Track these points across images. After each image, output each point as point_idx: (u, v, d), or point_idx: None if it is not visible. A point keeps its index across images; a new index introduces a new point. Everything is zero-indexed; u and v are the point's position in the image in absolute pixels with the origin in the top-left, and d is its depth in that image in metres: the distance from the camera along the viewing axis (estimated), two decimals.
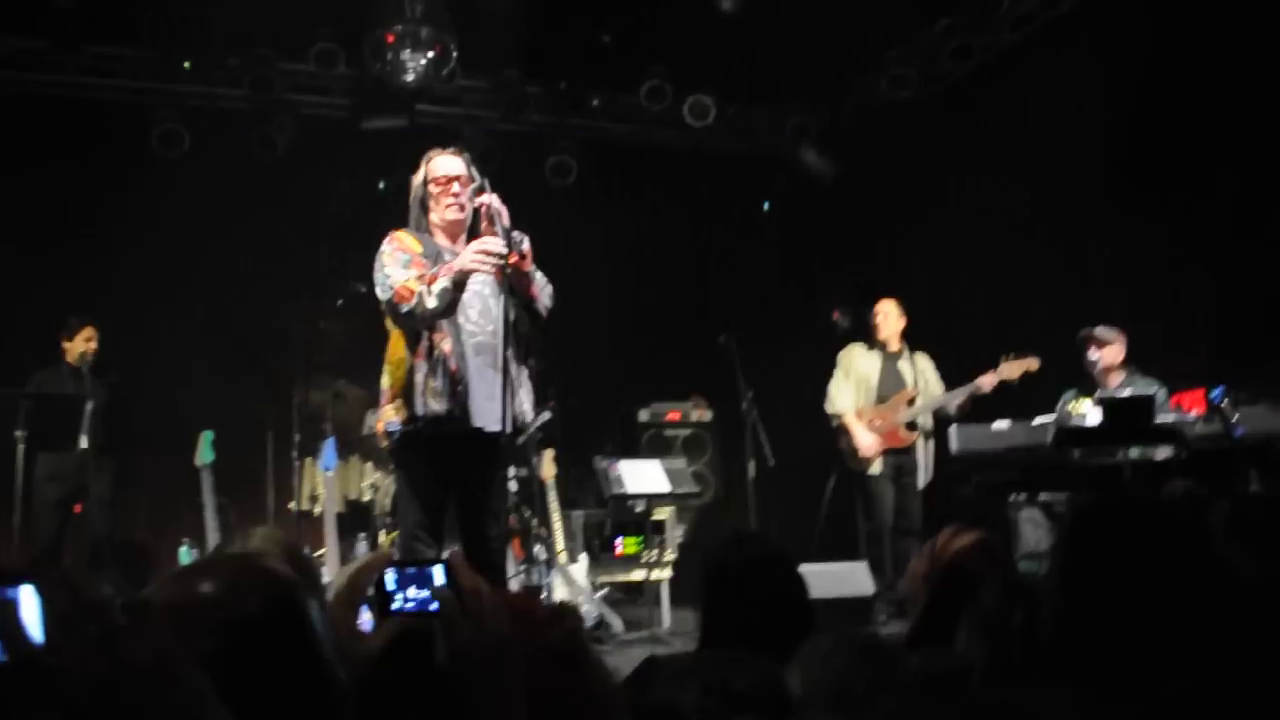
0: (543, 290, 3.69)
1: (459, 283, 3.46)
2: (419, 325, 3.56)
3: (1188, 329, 5.62)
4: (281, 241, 7.11)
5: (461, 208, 3.67)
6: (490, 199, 3.54)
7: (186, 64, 6.91)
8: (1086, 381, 5.63)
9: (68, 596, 0.90)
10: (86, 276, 6.75)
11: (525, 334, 3.76)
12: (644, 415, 7.82)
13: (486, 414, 3.58)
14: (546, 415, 6.17)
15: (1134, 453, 4.91)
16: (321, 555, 5.41)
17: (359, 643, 1.38)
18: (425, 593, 1.33)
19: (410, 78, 6.61)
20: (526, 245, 3.52)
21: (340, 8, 6.60)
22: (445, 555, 1.36)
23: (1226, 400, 4.60)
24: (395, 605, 1.35)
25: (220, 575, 1.09)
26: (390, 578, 1.35)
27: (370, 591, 1.38)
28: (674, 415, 7.90)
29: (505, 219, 3.50)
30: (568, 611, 1.49)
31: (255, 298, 7.11)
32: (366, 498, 6.15)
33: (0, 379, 5.55)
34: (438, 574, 1.32)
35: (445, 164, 3.73)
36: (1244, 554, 2.40)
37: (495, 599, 1.30)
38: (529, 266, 3.60)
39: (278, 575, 1.11)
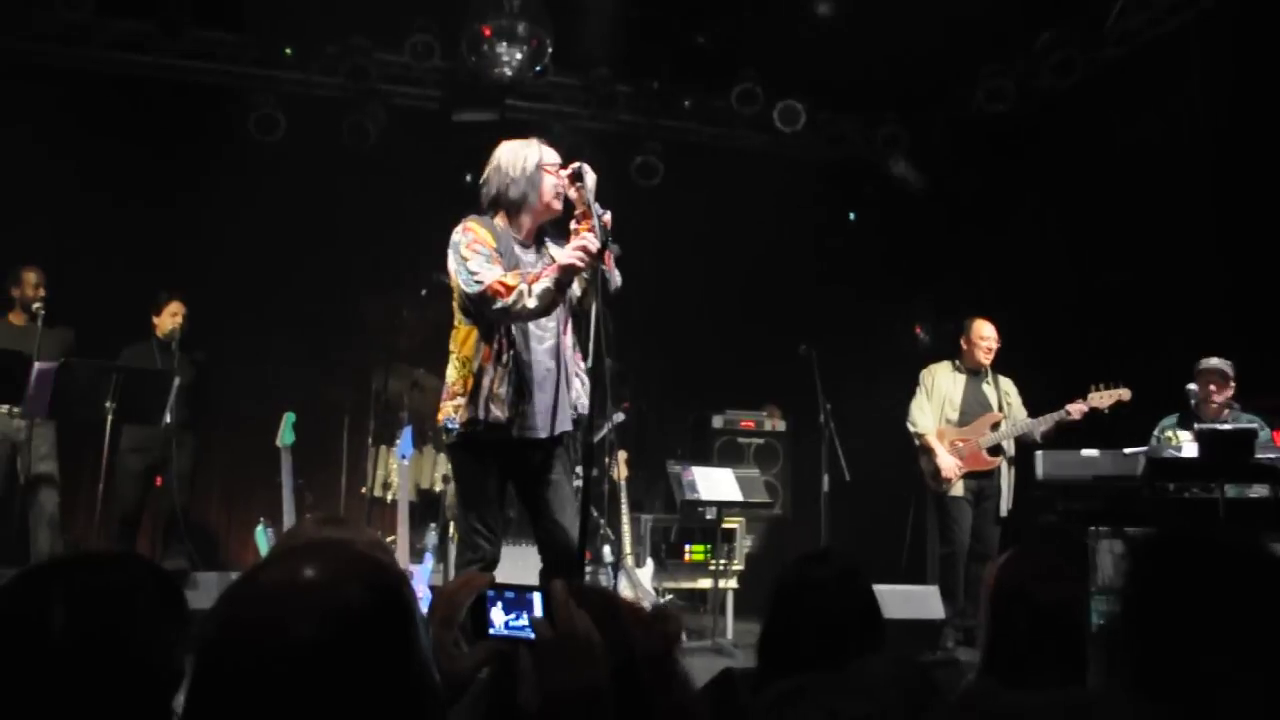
0: (615, 265, 3.55)
1: (562, 284, 3.40)
2: (508, 321, 3.48)
3: None
4: (369, 229, 7.20)
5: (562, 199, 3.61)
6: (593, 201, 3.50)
7: (287, 50, 7.04)
8: (1184, 411, 5.42)
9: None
10: (179, 254, 6.91)
11: (601, 331, 3.65)
12: (718, 421, 7.74)
13: (547, 421, 3.54)
14: (620, 416, 6.13)
15: (1230, 490, 4.72)
16: (393, 541, 5.44)
17: (452, 662, 1.35)
18: (523, 619, 1.32)
19: (506, 71, 6.64)
20: (608, 217, 3.46)
21: (437, 1, 6.66)
22: (549, 586, 1.34)
23: None
24: (493, 629, 1.34)
25: (325, 561, 1.05)
26: (489, 600, 1.35)
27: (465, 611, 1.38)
28: (748, 424, 7.81)
29: (604, 217, 3.46)
30: (669, 615, 1.45)
31: (341, 283, 7.22)
32: (438, 488, 6.17)
33: (93, 352, 5.68)
34: (536, 602, 1.31)
35: (553, 153, 3.69)
36: None
37: (590, 636, 1.27)
38: (610, 264, 3.54)
39: (383, 566, 1.08)
